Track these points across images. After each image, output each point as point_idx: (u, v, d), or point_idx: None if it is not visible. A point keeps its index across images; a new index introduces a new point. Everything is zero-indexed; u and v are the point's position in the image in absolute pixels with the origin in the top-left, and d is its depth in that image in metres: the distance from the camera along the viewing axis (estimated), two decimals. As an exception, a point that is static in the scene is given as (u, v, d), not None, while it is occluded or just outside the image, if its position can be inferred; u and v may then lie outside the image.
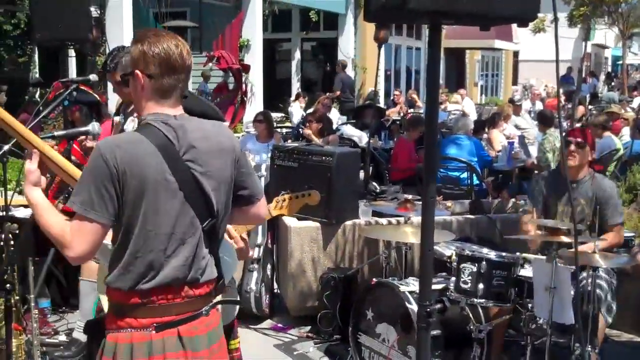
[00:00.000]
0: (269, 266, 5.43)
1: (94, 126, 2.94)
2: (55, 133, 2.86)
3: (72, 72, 16.73)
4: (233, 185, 2.36)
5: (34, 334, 3.90)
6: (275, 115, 14.45)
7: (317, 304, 5.05)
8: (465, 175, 7.66)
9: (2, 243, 3.90)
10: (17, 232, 4.10)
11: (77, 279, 5.65)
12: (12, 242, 3.88)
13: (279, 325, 5.26)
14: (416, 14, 2.18)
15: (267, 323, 5.30)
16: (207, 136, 2.29)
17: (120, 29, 9.97)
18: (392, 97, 16.34)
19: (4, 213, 4.01)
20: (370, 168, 8.77)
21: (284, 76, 18.56)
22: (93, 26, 5.73)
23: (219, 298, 2.42)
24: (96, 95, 5.14)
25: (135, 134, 2.21)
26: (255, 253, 5.38)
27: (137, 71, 2.23)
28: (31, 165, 2.30)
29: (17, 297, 3.79)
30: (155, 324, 2.18)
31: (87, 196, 2.11)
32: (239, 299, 2.98)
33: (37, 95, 13.73)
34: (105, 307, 3.22)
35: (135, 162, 2.13)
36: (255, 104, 13.16)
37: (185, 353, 2.21)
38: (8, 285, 3.01)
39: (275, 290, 5.58)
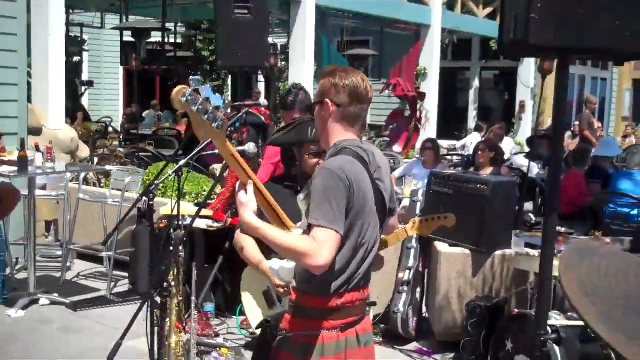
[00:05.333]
0: (418, 289, 5.54)
1: (249, 146, 3.23)
2: (216, 151, 3.18)
3: (261, 96, 17.78)
4: None
5: (192, 332, 4.29)
6: (449, 143, 14.50)
7: (463, 330, 5.09)
8: (636, 212, 7.33)
9: (171, 248, 4.35)
10: (185, 239, 4.50)
11: (240, 286, 6.09)
12: (180, 248, 4.31)
13: (424, 348, 5.33)
14: (540, 49, 2.27)
15: (412, 345, 5.39)
16: (382, 157, 2.59)
17: (302, 57, 10.49)
18: (572, 128, 15.80)
19: (176, 222, 4.43)
20: (539, 200, 8.61)
21: (461, 104, 18.52)
22: (270, 55, 6.18)
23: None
24: (263, 118, 5.54)
25: (347, 156, 2.44)
26: (405, 275, 5.51)
27: (327, 100, 2.49)
28: (249, 196, 2.41)
29: (181, 299, 4.19)
30: (341, 325, 2.44)
31: (328, 211, 2.31)
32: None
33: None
34: (248, 311, 3.52)
35: (358, 181, 2.39)
36: (429, 131, 13.28)
37: (360, 349, 2.49)
38: (166, 284, 3.35)
39: (424, 314, 5.67)
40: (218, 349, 4.83)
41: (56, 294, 6.13)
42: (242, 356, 4.85)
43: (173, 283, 3.73)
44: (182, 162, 3.97)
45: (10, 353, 4.94)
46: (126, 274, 6.66)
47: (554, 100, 2.58)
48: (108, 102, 18.83)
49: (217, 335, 5.37)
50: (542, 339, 2.39)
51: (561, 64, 2.36)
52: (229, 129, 4.81)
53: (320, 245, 2.28)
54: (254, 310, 3.44)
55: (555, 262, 4.27)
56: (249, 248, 3.34)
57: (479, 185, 5.21)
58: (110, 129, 13.67)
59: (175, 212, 4.06)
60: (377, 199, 2.48)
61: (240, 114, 4.45)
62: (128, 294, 6.35)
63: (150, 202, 3.87)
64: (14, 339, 5.17)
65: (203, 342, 4.95)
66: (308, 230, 2.36)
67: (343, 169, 2.37)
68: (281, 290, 3.06)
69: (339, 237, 2.32)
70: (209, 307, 5.68)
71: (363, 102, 2.51)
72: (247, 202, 2.38)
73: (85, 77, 17.38)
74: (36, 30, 7.90)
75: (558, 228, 4.99)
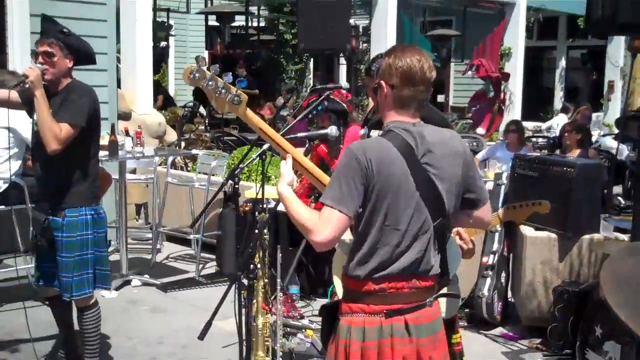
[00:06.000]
0: (503, 274, 5.47)
1: (332, 129, 3.26)
2: (299, 135, 3.24)
3: (342, 79, 17.79)
4: (462, 188, 2.54)
5: (278, 314, 4.38)
6: (534, 125, 14.18)
7: (550, 316, 5.01)
8: None
9: (256, 231, 4.44)
10: (270, 222, 4.59)
11: (325, 269, 6.17)
12: (265, 231, 4.40)
13: (509, 333, 5.28)
14: (629, 27, 2.21)
15: (498, 330, 5.34)
16: (443, 142, 2.48)
17: (384, 38, 10.43)
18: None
19: (262, 205, 4.52)
20: (629, 183, 8.35)
21: (547, 85, 18.05)
22: (352, 36, 6.19)
23: (443, 291, 2.62)
24: (344, 105, 5.56)
25: (381, 139, 2.45)
26: (490, 260, 5.45)
27: (382, 81, 2.48)
28: (287, 167, 2.56)
29: (267, 281, 4.27)
30: (385, 311, 2.41)
31: (337, 191, 2.35)
32: (460, 294, 3.15)
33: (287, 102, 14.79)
34: (339, 293, 3.57)
35: (382, 163, 2.36)
36: (513, 113, 13.03)
37: (410, 339, 2.42)
38: (252, 266, 3.42)
39: (509, 299, 5.61)
40: (303, 330, 4.91)
41: (147, 276, 6.35)
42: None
43: (259, 265, 3.80)
44: (265, 146, 4.04)
45: (103, 332, 5.16)
46: (213, 256, 6.84)
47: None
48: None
49: (302, 317, 5.46)
50: None
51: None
52: (312, 112, 4.88)
53: (323, 223, 2.33)
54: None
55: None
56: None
57: (565, 168, 5.10)
58: (196, 114, 13.95)
59: (259, 196, 4.17)
60: (422, 185, 2.40)
61: (321, 98, 4.48)
62: (215, 276, 6.52)
63: (236, 186, 3.96)
64: (106, 319, 5.37)
65: (289, 323, 5.03)
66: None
67: (364, 150, 2.37)
68: None
69: (343, 216, 2.34)
70: (294, 289, 5.78)
71: (417, 85, 2.44)
72: (285, 173, 2.50)
73: (171, 62, 17.77)
74: (124, 16, 8.13)
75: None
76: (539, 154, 5.71)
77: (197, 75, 2.38)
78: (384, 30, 10.39)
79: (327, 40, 5.61)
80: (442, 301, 2.67)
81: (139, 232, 7.69)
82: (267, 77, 19.00)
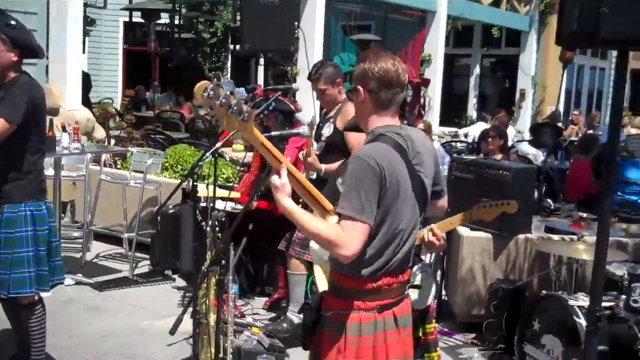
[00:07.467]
0: (439, 272, 5.67)
1: (304, 129, 3.35)
2: (272, 133, 3.30)
3: (259, 80, 17.76)
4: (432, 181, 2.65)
5: (230, 311, 4.41)
6: (449, 130, 14.62)
7: (484, 312, 5.23)
8: (643, 199, 7.50)
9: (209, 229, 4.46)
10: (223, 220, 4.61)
11: (264, 268, 6.21)
12: (217, 229, 4.43)
13: (445, 329, 5.47)
14: (607, 42, 2.37)
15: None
16: (422, 142, 2.59)
17: (312, 41, 10.50)
18: (570, 117, 16.00)
19: (212, 204, 4.53)
20: (544, 186, 8.76)
21: (460, 91, 18.63)
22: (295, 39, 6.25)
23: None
24: (291, 105, 5.64)
25: (381, 144, 2.48)
26: (427, 259, 5.62)
27: (359, 87, 2.55)
28: (283, 180, 2.43)
29: (218, 278, 4.29)
30: (378, 306, 2.50)
31: (357, 201, 2.36)
32: (435, 286, 3.25)
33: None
34: (320, 284, 3.61)
35: (391, 169, 2.42)
36: (432, 117, 13.38)
37: (398, 330, 2.54)
38: (223, 261, 3.44)
39: (443, 297, 5.80)
40: (249, 328, 4.95)
41: (80, 275, 6.23)
42: (273, 337, 4.97)
43: (224, 262, 3.83)
44: (218, 145, 4.08)
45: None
46: (145, 256, 6.77)
47: (613, 92, 2.69)
48: (107, 83, 18.74)
49: (242, 315, 5.49)
50: (598, 314, 2.50)
51: (619, 56, 2.47)
52: (263, 112, 4.92)
53: (348, 236, 2.34)
54: (322, 282, 3.55)
55: (581, 246, 4.42)
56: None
57: (500, 171, 5.33)
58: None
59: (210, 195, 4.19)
60: (415, 185, 2.50)
61: (270, 100, 4.53)
62: (149, 275, 6.47)
63: (195, 183, 3.98)
64: (44, 318, 5.27)
65: (234, 321, 5.05)
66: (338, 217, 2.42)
67: (375, 158, 2.40)
68: None
69: (366, 227, 2.37)
70: (234, 288, 5.78)
71: (394, 87, 2.51)
72: (282, 185, 2.41)
73: (84, 57, 17.30)
74: (54, 9, 7.92)
75: (580, 214, 5.16)
76: (475, 158, 5.92)
77: (211, 93, 2.27)
78: (311, 32, 10.47)
79: (272, 41, 5.66)
80: (415, 292, 2.78)
81: (67, 230, 7.50)
82: (184, 76, 18.82)
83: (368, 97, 2.54)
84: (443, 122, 14.33)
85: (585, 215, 5.10)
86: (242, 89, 2.32)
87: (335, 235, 2.35)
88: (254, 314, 5.64)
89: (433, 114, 13.54)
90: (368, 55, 2.58)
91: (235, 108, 2.29)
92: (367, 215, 2.37)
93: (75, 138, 5.95)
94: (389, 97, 2.53)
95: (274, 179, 2.42)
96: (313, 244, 3.20)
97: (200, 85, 2.29)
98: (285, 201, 2.41)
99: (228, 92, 2.28)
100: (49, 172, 5.90)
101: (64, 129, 6.06)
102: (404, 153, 2.48)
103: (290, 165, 2.48)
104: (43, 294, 5.58)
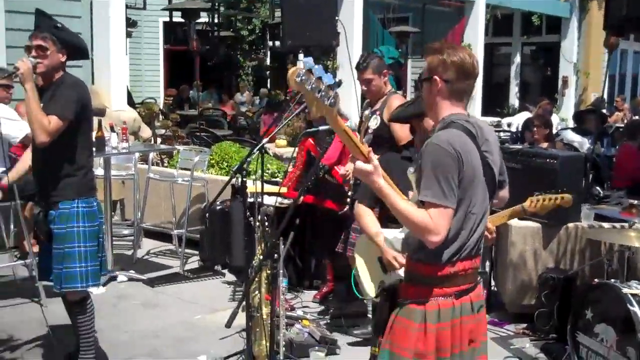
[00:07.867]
0: (487, 262, 5.66)
1: (351, 123, 3.36)
2: (320, 128, 3.34)
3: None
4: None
5: (282, 305, 4.46)
6: (492, 120, 14.50)
7: (535, 302, 5.20)
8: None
9: (258, 224, 4.52)
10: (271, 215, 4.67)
11: (311, 262, 6.26)
12: (266, 223, 4.49)
13: (495, 320, 5.46)
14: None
15: (484, 317, 5.51)
16: (490, 131, 2.67)
17: (351, 34, 10.51)
18: (614, 104, 15.74)
19: (261, 199, 4.58)
20: (591, 174, 8.64)
21: (502, 80, 18.47)
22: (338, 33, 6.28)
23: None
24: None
25: (455, 130, 2.54)
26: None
27: (436, 76, 2.59)
28: (375, 162, 2.48)
29: (270, 272, 4.35)
30: (455, 292, 2.57)
31: (437, 188, 2.42)
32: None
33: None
34: (362, 277, 3.65)
35: (467, 154, 2.48)
36: (473, 108, 13.29)
37: (474, 315, 2.62)
38: (276, 255, 3.48)
39: (493, 288, 5.79)
40: (300, 320, 5.00)
41: (132, 271, 6.36)
42: (323, 327, 5.02)
43: (275, 256, 3.88)
44: (265, 141, 4.14)
45: (97, 327, 5.15)
46: (195, 252, 6.88)
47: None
48: (149, 83, 18.99)
49: (292, 308, 5.54)
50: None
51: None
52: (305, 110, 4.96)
53: (437, 222, 2.41)
54: (365, 274, 3.59)
55: (632, 234, 4.37)
56: (366, 219, 3.57)
57: (548, 160, 5.29)
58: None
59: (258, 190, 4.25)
60: (485, 171, 2.56)
61: (333, 94, 4.57)
62: (200, 270, 6.57)
63: (243, 179, 4.03)
64: (98, 314, 5.38)
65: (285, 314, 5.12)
66: (420, 205, 2.46)
67: (451, 143, 2.46)
68: (392, 261, 3.21)
69: (450, 211, 2.44)
70: (283, 281, 5.84)
71: (470, 78, 2.59)
72: (374, 167, 2.47)
73: (126, 58, 17.53)
74: (97, 12, 8.06)
75: (631, 201, 5.10)
76: (522, 147, 5.88)
77: (304, 77, 2.30)
78: (350, 26, 10.48)
79: (314, 36, 5.69)
80: None
81: (117, 228, 7.65)
82: (224, 74, 19.01)
83: (445, 87, 2.58)
84: (485, 112, 14.22)
85: (635, 202, 5.04)
86: (330, 75, 2.34)
87: (427, 220, 2.41)
88: (304, 307, 5.69)
89: (475, 105, 13.42)
90: (444, 47, 2.63)
91: (323, 93, 2.34)
92: (450, 200, 2.44)
93: (124, 138, 6.07)
94: (463, 88, 2.60)
95: (359, 164, 2.49)
96: (388, 234, 3.31)
97: (293, 71, 2.33)
98: (380, 182, 2.48)
99: (318, 78, 2.33)
100: (99, 171, 6.04)
101: (112, 129, 6.18)
102: (474, 139, 2.54)
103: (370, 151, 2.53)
104: (97, 290, 5.77)
